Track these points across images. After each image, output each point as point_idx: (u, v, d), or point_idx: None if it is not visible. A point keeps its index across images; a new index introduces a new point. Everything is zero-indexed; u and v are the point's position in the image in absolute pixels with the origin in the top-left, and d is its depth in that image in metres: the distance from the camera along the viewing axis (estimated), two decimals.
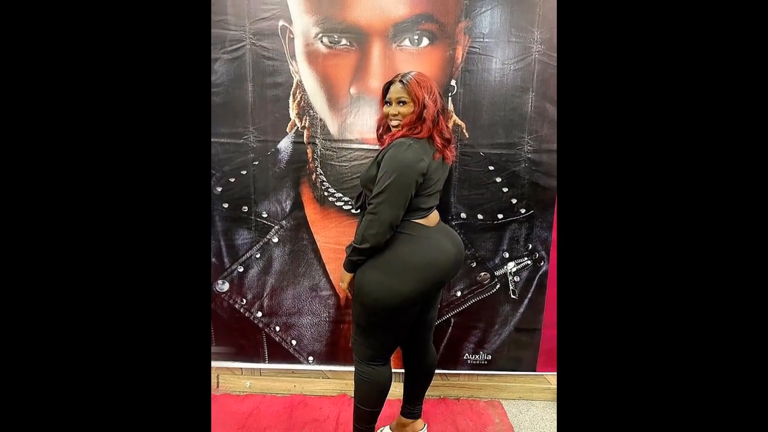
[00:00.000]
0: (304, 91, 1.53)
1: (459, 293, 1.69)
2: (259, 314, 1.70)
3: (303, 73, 1.52)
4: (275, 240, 1.64)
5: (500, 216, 1.62)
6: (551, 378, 1.77)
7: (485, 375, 1.76)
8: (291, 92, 1.53)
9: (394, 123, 1.16)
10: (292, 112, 1.55)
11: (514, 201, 1.61)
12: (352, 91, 1.52)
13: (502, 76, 1.51)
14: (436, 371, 1.45)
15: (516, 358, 1.74)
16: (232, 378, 1.77)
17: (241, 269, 1.66)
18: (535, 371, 1.76)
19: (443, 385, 1.77)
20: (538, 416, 1.69)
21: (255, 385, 1.76)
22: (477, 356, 1.73)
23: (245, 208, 1.61)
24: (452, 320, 1.70)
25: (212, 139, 1.53)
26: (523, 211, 1.62)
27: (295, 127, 1.56)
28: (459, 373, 1.76)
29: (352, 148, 1.57)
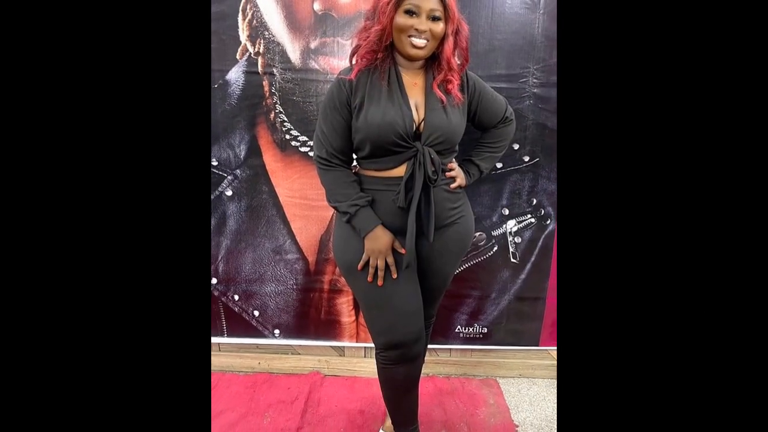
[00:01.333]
0: (256, 6, 1.29)
1: None
2: (214, 281, 1.52)
3: None
4: (228, 193, 1.46)
5: (499, 165, 1.40)
6: (556, 353, 1.60)
7: (480, 350, 1.61)
8: (240, 8, 1.30)
9: (420, 42, 0.91)
10: (242, 34, 1.31)
11: (515, 147, 1.39)
12: (316, 6, 1.28)
13: None
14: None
15: (516, 330, 1.58)
16: None
17: None
18: (537, 346, 1.60)
19: (432, 361, 1.60)
20: (539, 396, 1.52)
21: (213, 362, 1.61)
22: (471, 329, 1.57)
23: None
24: None
25: None
26: (526, 158, 1.41)
27: (247, 53, 1.33)
28: (450, 348, 1.61)
29: (317, 81, 1.34)
